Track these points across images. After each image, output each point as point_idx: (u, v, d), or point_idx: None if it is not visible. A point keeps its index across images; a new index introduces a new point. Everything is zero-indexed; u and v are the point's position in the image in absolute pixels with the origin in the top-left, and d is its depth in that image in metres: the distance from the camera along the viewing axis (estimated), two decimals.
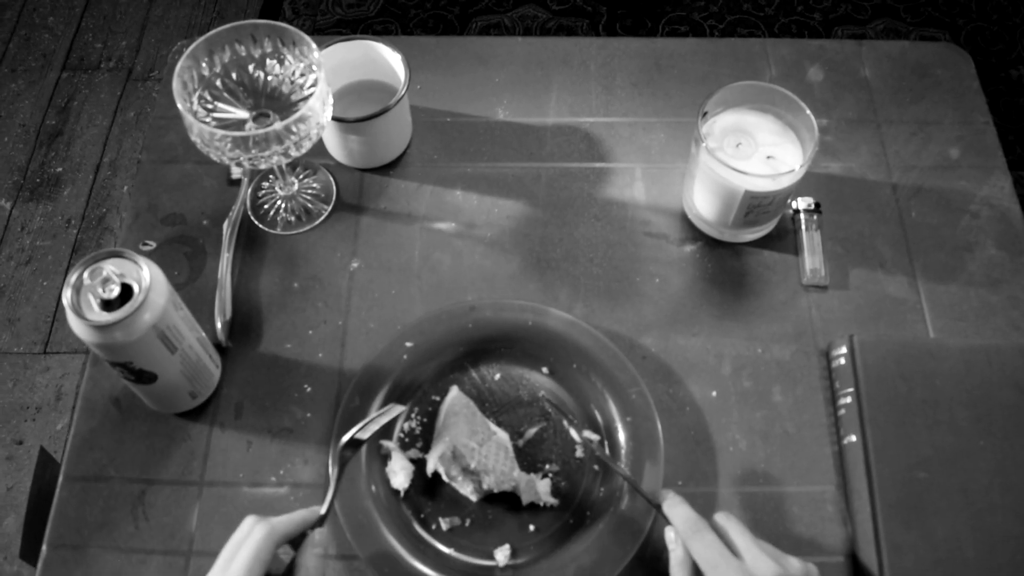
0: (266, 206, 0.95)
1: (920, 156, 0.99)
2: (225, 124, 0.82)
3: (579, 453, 0.81)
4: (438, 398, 0.83)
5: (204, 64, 0.82)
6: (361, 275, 0.91)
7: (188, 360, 0.77)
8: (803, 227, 0.92)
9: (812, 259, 0.90)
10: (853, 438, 0.80)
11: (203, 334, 0.81)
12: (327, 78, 0.82)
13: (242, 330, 0.87)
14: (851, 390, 0.81)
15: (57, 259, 1.99)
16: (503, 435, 0.80)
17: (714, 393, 0.84)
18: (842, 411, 0.82)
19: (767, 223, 0.91)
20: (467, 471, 0.77)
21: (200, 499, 0.80)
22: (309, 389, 0.84)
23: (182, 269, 0.91)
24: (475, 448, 0.77)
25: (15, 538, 1.66)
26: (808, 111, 0.84)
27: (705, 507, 0.78)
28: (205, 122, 0.78)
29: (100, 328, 0.68)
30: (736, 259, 0.92)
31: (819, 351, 0.86)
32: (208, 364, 0.81)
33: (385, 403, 0.81)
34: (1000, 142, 1.00)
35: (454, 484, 0.78)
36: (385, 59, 0.94)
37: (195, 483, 0.80)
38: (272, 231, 0.93)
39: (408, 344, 0.84)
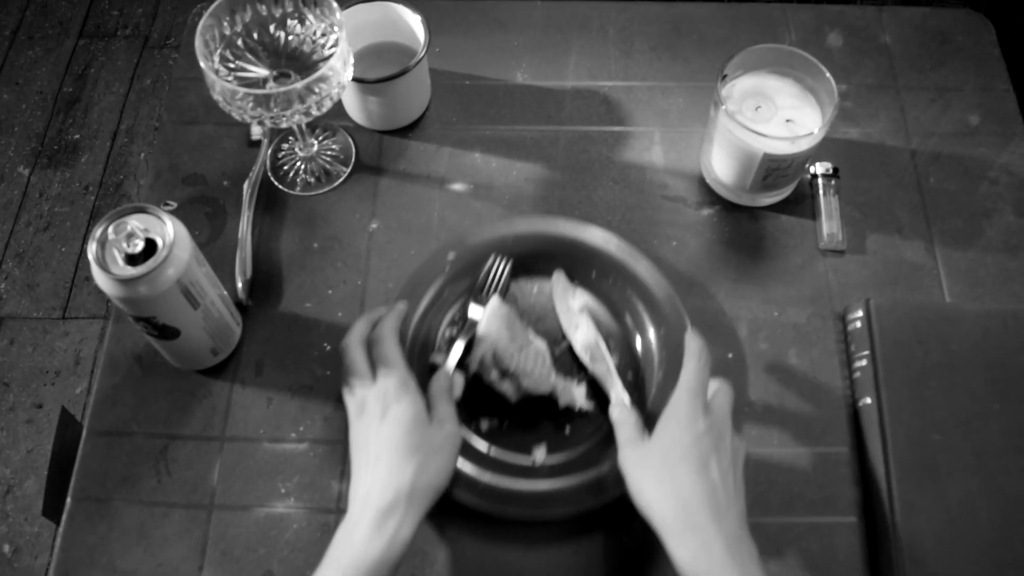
0: (286, 167, 0.95)
1: (939, 122, 0.99)
2: (246, 83, 0.83)
3: (615, 360, 0.83)
4: (476, 310, 0.85)
5: (225, 23, 0.82)
6: (380, 236, 0.91)
7: (210, 316, 0.78)
8: (821, 192, 0.92)
9: (829, 223, 0.90)
10: (868, 400, 0.80)
11: (224, 291, 0.81)
12: (348, 38, 0.82)
13: (262, 289, 0.88)
14: (866, 353, 0.82)
15: (75, 225, 2.00)
16: (541, 343, 0.82)
17: (730, 355, 0.85)
18: (857, 374, 0.82)
19: (785, 187, 0.91)
20: (506, 373, 0.79)
21: (221, 454, 0.81)
22: (328, 347, 0.85)
23: (203, 229, 0.92)
24: (514, 352, 0.79)
25: (36, 499, 1.69)
26: (828, 74, 0.84)
27: None
28: (227, 81, 0.78)
29: (124, 282, 0.69)
30: (754, 223, 0.92)
31: (835, 315, 0.87)
32: (230, 321, 0.82)
33: (426, 314, 0.85)
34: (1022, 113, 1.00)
35: (493, 386, 0.80)
36: (405, 21, 0.94)
37: (216, 438, 0.81)
38: (292, 192, 0.94)
39: (451, 256, 0.86)
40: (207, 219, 0.92)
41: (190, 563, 0.76)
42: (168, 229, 0.71)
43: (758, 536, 0.76)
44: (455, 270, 0.86)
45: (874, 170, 0.95)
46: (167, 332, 0.76)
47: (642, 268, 0.85)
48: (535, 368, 0.79)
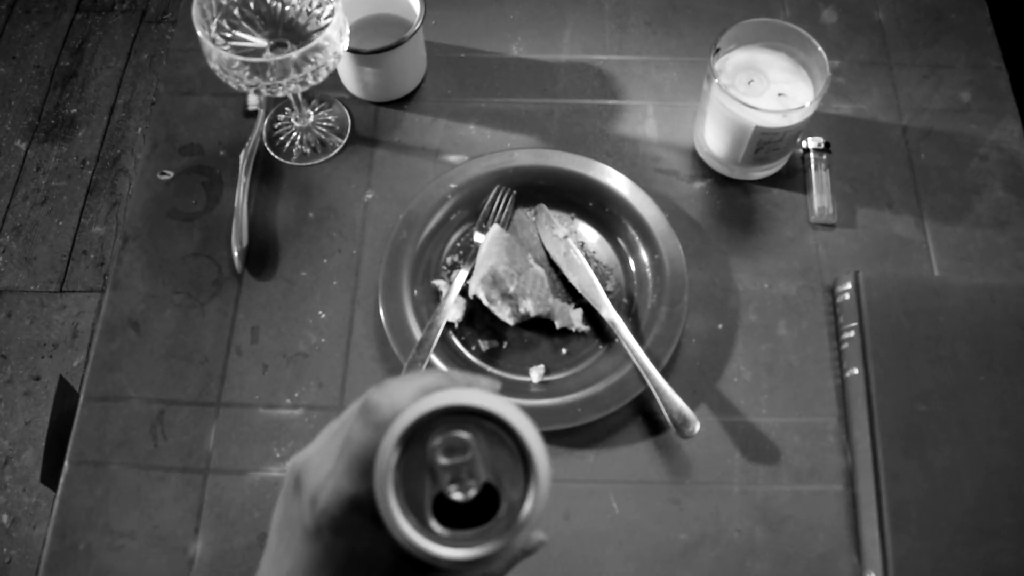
0: (282, 138, 0.96)
1: (931, 99, 0.99)
2: (243, 53, 0.83)
3: (610, 287, 0.87)
4: (480, 236, 0.88)
5: None
6: (375, 206, 0.92)
7: None
8: (812, 166, 0.93)
9: (820, 197, 0.91)
10: (855, 371, 0.81)
11: None
12: (344, 9, 0.82)
13: (258, 258, 0.89)
14: (855, 324, 0.83)
15: (72, 199, 2.01)
16: (540, 268, 0.85)
17: (720, 326, 0.86)
18: (845, 345, 0.83)
19: (777, 161, 0.92)
20: (506, 295, 0.82)
21: (217, 419, 0.82)
22: (323, 315, 0.86)
23: (199, 198, 0.93)
24: (514, 276, 0.82)
25: (34, 470, 1.70)
26: (820, 48, 0.85)
27: (709, 433, 0.80)
28: (224, 50, 0.79)
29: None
30: (745, 196, 0.93)
31: (825, 287, 0.88)
32: None
33: (429, 240, 0.88)
34: (1016, 93, 1.00)
35: (493, 308, 0.83)
36: None
37: (212, 404, 0.82)
38: (288, 162, 0.95)
39: (452, 185, 0.89)
40: (203, 188, 0.93)
41: (186, 525, 0.77)
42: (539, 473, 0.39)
43: (747, 503, 0.77)
44: (458, 199, 0.90)
45: (866, 145, 0.96)
46: None
47: (638, 199, 0.89)
48: (533, 291, 0.82)
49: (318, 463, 0.44)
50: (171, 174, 0.94)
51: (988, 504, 0.75)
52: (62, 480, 0.80)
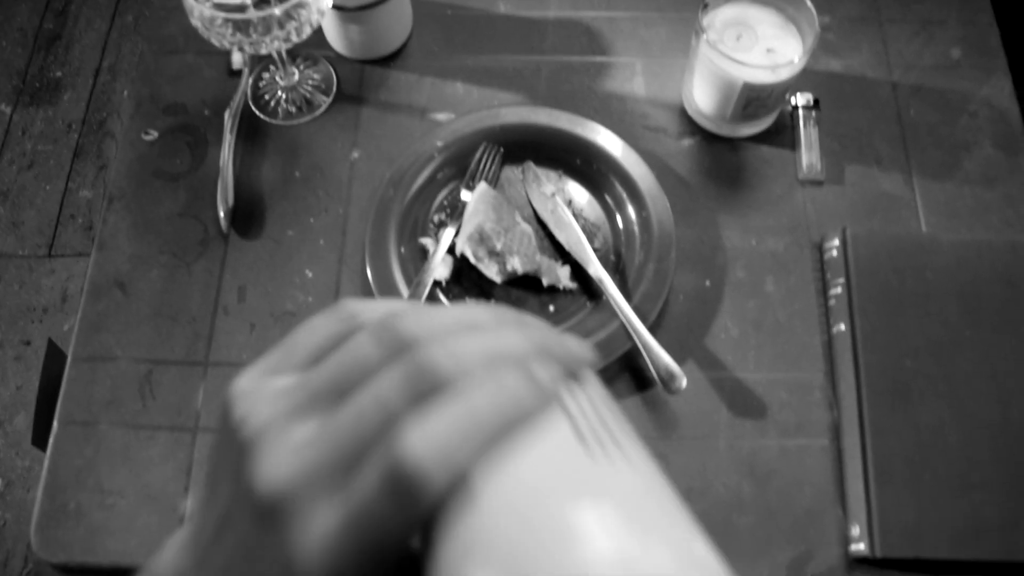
0: (266, 96, 0.95)
1: (921, 55, 0.99)
2: (226, 9, 0.82)
3: (597, 244, 0.87)
4: (467, 194, 0.88)
5: None
6: (362, 165, 0.92)
7: None
8: (801, 123, 0.92)
9: (809, 154, 0.91)
10: (842, 327, 0.81)
11: None
12: None
13: (244, 217, 0.89)
14: (842, 280, 0.83)
15: (59, 163, 1.99)
16: (527, 225, 0.85)
17: (708, 282, 0.86)
18: (832, 301, 0.83)
19: (765, 117, 0.91)
20: (493, 253, 0.82)
21: (205, 379, 0.82)
22: (310, 274, 0.86)
23: (184, 158, 0.92)
24: (501, 233, 0.82)
25: (25, 434, 1.70)
26: (809, 3, 0.84)
27: (696, 389, 0.81)
28: (206, 6, 0.78)
29: None
30: (734, 153, 0.92)
31: (812, 244, 0.88)
32: None
33: (416, 198, 0.88)
34: (1007, 49, 1.00)
35: (480, 266, 0.82)
36: None
37: (200, 363, 0.82)
38: (273, 121, 0.94)
39: (439, 143, 0.89)
40: (188, 148, 0.92)
41: (176, 484, 0.78)
42: None
43: (734, 458, 0.78)
44: (444, 157, 0.89)
45: (855, 102, 0.95)
46: None
47: (626, 156, 0.88)
48: (521, 248, 0.82)
49: (299, 475, 0.29)
50: (155, 134, 0.93)
51: (972, 458, 0.76)
52: (51, 440, 0.80)
